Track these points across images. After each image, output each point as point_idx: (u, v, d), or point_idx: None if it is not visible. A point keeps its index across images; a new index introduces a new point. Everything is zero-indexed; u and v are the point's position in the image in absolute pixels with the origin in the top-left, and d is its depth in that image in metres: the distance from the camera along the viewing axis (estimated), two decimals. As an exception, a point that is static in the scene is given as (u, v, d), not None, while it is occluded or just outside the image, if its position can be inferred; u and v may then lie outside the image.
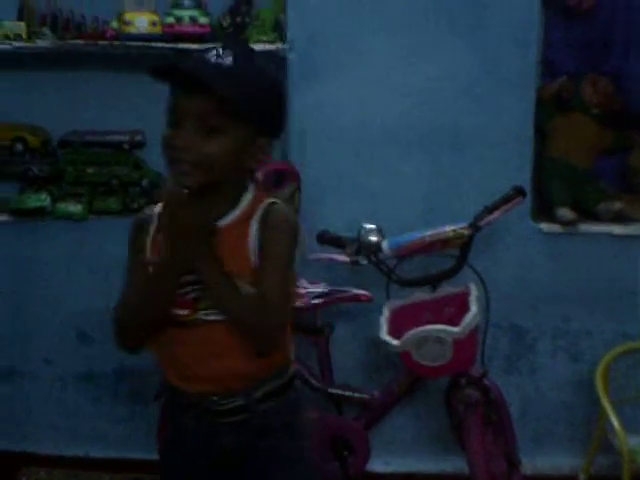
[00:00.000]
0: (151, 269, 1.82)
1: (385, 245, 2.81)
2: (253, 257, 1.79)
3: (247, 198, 1.82)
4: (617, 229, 3.21)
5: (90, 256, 3.29)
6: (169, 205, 1.74)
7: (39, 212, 3.22)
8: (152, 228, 1.86)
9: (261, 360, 1.85)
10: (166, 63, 1.72)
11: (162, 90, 3.30)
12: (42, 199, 3.23)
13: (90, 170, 3.29)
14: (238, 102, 1.69)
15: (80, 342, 3.37)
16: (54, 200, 3.25)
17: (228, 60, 1.71)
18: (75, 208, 3.22)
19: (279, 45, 3.09)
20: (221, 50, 1.73)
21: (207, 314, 1.81)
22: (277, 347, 1.85)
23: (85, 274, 3.31)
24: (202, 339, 1.83)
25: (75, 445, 3.43)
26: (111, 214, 3.26)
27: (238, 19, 3.11)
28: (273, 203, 1.83)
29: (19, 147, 3.24)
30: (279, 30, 3.14)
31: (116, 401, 3.41)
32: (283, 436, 1.93)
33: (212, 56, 1.72)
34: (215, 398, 1.86)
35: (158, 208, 1.85)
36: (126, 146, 3.29)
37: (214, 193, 1.78)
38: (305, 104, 3.12)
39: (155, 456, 3.14)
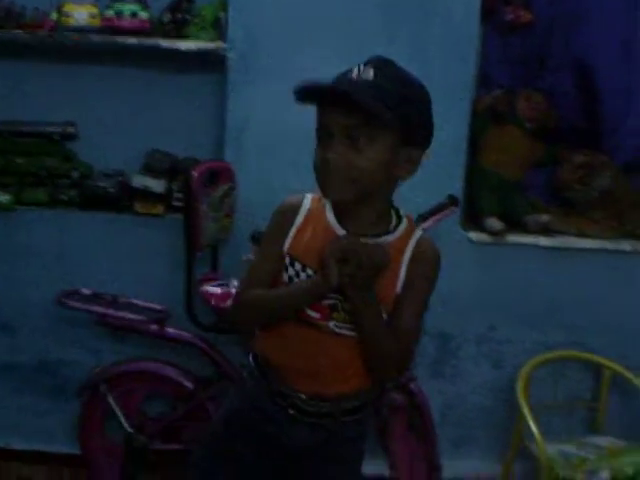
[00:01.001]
0: (295, 287, 1.86)
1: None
2: (397, 288, 1.86)
3: (403, 224, 1.89)
4: (544, 241, 3.28)
5: (16, 246, 3.24)
6: (357, 254, 1.74)
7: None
8: (299, 219, 1.90)
9: (364, 380, 1.94)
10: (309, 83, 1.76)
11: (95, 84, 3.32)
12: (-29, 187, 3.17)
13: (19, 160, 3.23)
14: (381, 113, 1.71)
15: (2, 333, 3.31)
16: (-20, 189, 3.20)
17: (369, 74, 1.76)
18: (3, 198, 3.16)
19: (219, 44, 3.08)
20: (362, 66, 1.78)
21: (339, 326, 1.87)
22: (402, 374, 1.98)
23: (10, 264, 3.26)
24: (324, 346, 1.89)
25: (-5, 436, 3.41)
26: (39, 205, 3.22)
27: (178, 15, 3.08)
28: (422, 236, 1.92)
29: (-53, 135, 3.18)
30: (219, 28, 3.12)
31: (38, 393, 3.36)
32: (351, 448, 2.04)
33: (353, 73, 1.77)
34: (304, 397, 1.93)
35: (309, 200, 1.91)
36: (57, 137, 3.25)
37: (365, 206, 1.83)
38: (243, 104, 3.12)
39: (76, 450, 3.21)
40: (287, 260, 1.88)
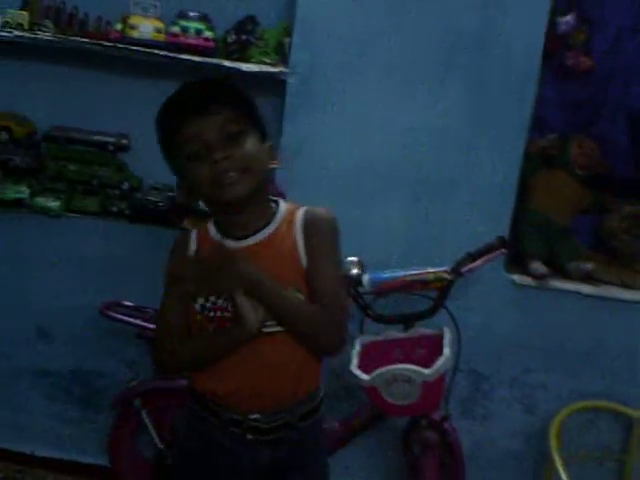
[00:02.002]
0: (221, 338, 1.89)
1: (366, 279, 2.81)
2: (302, 267, 1.88)
3: (282, 208, 1.94)
4: (586, 289, 3.26)
5: (61, 254, 3.27)
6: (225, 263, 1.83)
7: (16, 204, 3.18)
8: (192, 247, 1.99)
9: (311, 379, 1.96)
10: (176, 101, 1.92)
11: (153, 99, 3.32)
12: (21, 191, 3.18)
13: (72, 167, 3.26)
14: (246, 107, 1.88)
15: (39, 338, 3.33)
16: (32, 193, 3.21)
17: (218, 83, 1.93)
18: (53, 204, 3.19)
19: (280, 68, 3.10)
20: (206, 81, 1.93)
21: (265, 326, 1.86)
22: (344, 343, 1.93)
23: (54, 271, 3.28)
24: (260, 352, 1.88)
25: (21, 441, 3.40)
26: (88, 214, 3.23)
27: (243, 37, 3.10)
28: (310, 208, 1.94)
29: (4, 136, 3.18)
30: (282, 53, 3.14)
31: (69, 401, 3.38)
32: (313, 453, 2.03)
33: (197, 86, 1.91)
34: (258, 416, 1.92)
35: (194, 232, 2.01)
36: (111, 148, 3.27)
37: (246, 209, 1.88)
38: (299, 129, 3.13)
39: (103, 461, 3.20)
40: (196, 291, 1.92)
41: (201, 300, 1.91)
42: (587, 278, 3.29)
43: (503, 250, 2.91)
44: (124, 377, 3.20)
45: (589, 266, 3.28)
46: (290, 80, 3.10)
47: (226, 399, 1.92)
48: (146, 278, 3.21)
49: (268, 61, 3.08)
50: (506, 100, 3.11)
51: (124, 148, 3.27)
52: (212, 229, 1.97)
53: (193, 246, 1.98)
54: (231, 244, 1.90)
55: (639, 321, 3.26)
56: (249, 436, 1.93)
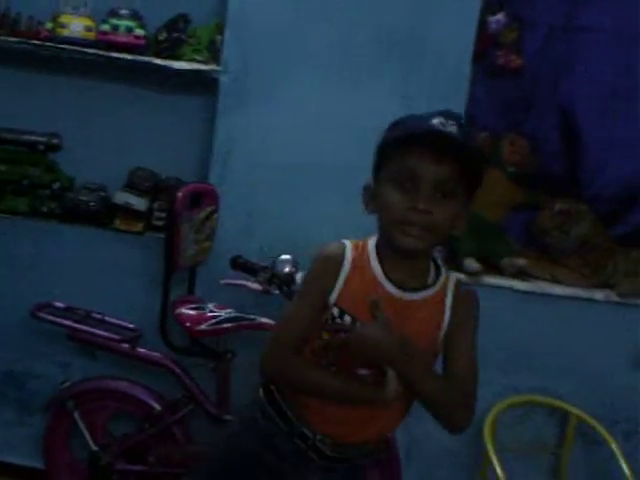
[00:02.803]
0: (352, 388, 1.84)
1: (299, 277, 2.82)
2: (440, 334, 1.88)
3: (443, 276, 1.89)
4: (518, 284, 3.30)
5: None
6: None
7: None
8: (345, 270, 1.85)
9: (394, 424, 1.97)
10: (422, 129, 1.72)
11: (84, 96, 3.31)
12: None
13: (1, 167, 3.21)
14: (478, 172, 1.76)
15: (-30, 342, 3.28)
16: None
17: (454, 129, 1.72)
18: (-19, 206, 3.14)
19: (212, 66, 3.09)
20: (442, 118, 1.73)
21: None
22: (470, 423, 1.94)
23: (-15, 273, 3.23)
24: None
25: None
26: (18, 214, 3.19)
27: (174, 35, 3.09)
28: (460, 281, 1.93)
29: None
30: (214, 51, 3.13)
31: (2, 404, 3.33)
32: None
33: (436, 124, 1.72)
34: (329, 441, 1.89)
35: (349, 249, 1.88)
36: (41, 147, 3.21)
37: (414, 261, 1.83)
38: (232, 127, 3.12)
39: (38, 464, 3.16)
40: (335, 312, 1.83)
41: (337, 319, 1.85)
42: (520, 274, 3.33)
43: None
44: (57, 379, 3.15)
45: (522, 262, 3.32)
46: (222, 78, 3.09)
47: (302, 410, 1.90)
48: (77, 279, 3.21)
49: (200, 59, 3.07)
50: (437, 100, 3.11)
51: (55, 148, 3.22)
52: (375, 263, 1.86)
53: (347, 267, 1.86)
54: (390, 289, 1.83)
55: (570, 316, 3.31)
56: (311, 454, 1.91)
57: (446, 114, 1.75)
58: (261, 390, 2.00)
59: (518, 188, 3.42)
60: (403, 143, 1.74)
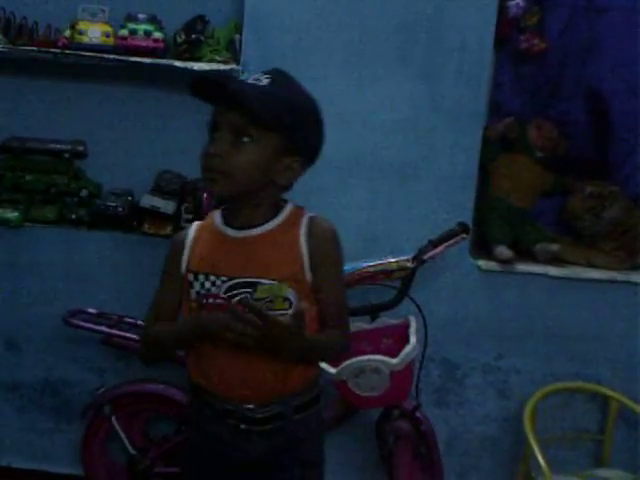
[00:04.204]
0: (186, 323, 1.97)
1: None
2: (303, 266, 1.90)
3: (287, 210, 1.96)
4: (552, 270, 3.25)
5: (23, 264, 3.23)
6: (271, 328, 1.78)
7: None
8: (188, 240, 2.01)
9: (299, 368, 1.96)
10: (201, 77, 1.91)
11: (107, 102, 3.32)
12: (-22, 202, 3.16)
13: (29, 177, 3.23)
14: (266, 115, 1.81)
15: (7, 350, 3.30)
16: (-13, 205, 3.19)
17: (263, 81, 1.87)
18: (11, 215, 3.16)
19: (232, 66, 3.07)
20: (261, 73, 1.90)
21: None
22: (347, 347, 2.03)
23: (17, 282, 3.25)
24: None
25: (-2, 454, 3.39)
26: (47, 223, 3.20)
27: (193, 36, 3.08)
28: (314, 216, 1.98)
29: (-42, 149, 3.17)
30: (233, 50, 3.12)
31: (41, 412, 3.35)
32: (309, 447, 2.04)
33: (251, 78, 1.90)
34: (252, 406, 1.94)
35: (195, 225, 2.04)
36: (67, 155, 3.23)
37: (250, 205, 1.91)
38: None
39: (77, 471, 3.18)
40: (191, 277, 1.94)
41: (197, 286, 1.93)
42: (553, 260, 3.30)
43: (464, 236, 2.90)
44: (93, 385, 3.17)
45: (555, 247, 3.28)
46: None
47: (217, 388, 1.95)
48: (108, 284, 3.22)
49: (220, 59, 3.06)
50: (461, 87, 3.10)
51: (80, 155, 3.24)
52: (218, 217, 1.99)
53: (192, 234, 2.01)
54: (230, 231, 1.94)
55: (607, 300, 3.26)
56: (243, 426, 1.95)
57: (267, 70, 1.93)
58: (189, 392, 2.09)
59: (547, 173, 3.40)
60: (201, 96, 1.94)
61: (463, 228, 2.91)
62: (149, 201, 3.17)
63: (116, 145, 3.32)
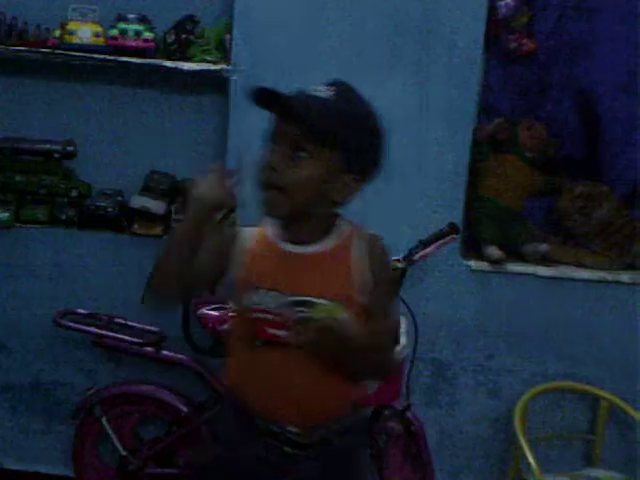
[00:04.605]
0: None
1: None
2: (359, 288, 1.85)
3: (342, 227, 1.90)
4: (542, 270, 3.26)
5: (13, 265, 3.22)
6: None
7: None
8: (241, 247, 1.90)
9: (349, 396, 1.92)
10: (263, 88, 1.78)
11: (96, 104, 3.31)
12: (-31, 203, 3.15)
13: (19, 178, 3.22)
14: (324, 131, 1.74)
15: (-3, 352, 3.31)
16: (-21, 206, 3.18)
17: (328, 94, 1.79)
18: (2, 215, 3.15)
19: (222, 65, 3.08)
20: (324, 85, 1.82)
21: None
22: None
23: (6, 283, 3.24)
24: (299, 362, 1.84)
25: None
26: (38, 223, 3.20)
27: (183, 36, 3.08)
28: (371, 236, 1.92)
29: (-54, 150, 3.15)
30: (223, 50, 3.13)
31: (32, 414, 3.34)
32: (352, 473, 1.98)
33: (312, 89, 1.80)
34: (296, 429, 1.87)
35: (254, 230, 1.93)
36: (57, 155, 3.22)
37: (303, 222, 1.84)
38: (246, 126, 3.09)
39: (70, 472, 3.17)
40: (244, 288, 1.86)
41: (249, 297, 1.85)
42: (543, 260, 3.30)
43: (454, 236, 2.91)
44: (83, 386, 3.16)
45: (545, 247, 3.29)
46: (233, 77, 3.08)
47: (261, 409, 1.88)
48: (99, 285, 3.22)
49: (210, 59, 3.06)
50: (451, 87, 3.11)
51: (70, 155, 3.23)
52: (271, 230, 1.91)
53: (246, 243, 1.91)
54: (286, 247, 1.87)
55: (597, 300, 3.27)
56: (287, 449, 1.88)
57: (331, 81, 1.85)
58: (227, 408, 2.01)
59: (537, 173, 3.39)
60: (263, 106, 1.83)
61: (453, 228, 2.91)
62: (139, 201, 3.17)
63: (106, 145, 3.32)
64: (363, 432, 2.04)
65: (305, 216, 1.83)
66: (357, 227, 1.93)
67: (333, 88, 1.81)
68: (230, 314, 1.95)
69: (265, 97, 1.79)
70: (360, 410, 2.00)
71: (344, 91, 1.83)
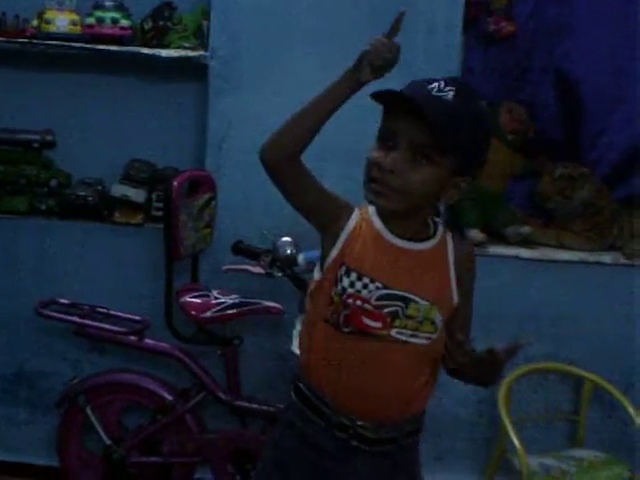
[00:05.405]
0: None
1: (301, 259, 2.80)
2: (453, 291, 1.85)
3: (440, 227, 1.88)
4: (524, 252, 3.28)
5: (-6, 255, 3.23)
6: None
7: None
8: (350, 224, 1.83)
9: (427, 397, 1.92)
10: (389, 90, 1.72)
11: (75, 91, 3.30)
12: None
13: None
14: (450, 140, 1.70)
15: (-20, 343, 3.29)
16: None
17: (449, 95, 1.72)
18: (-21, 205, 3.15)
19: (200, 52, 3.07)
20: (443, 84, 1.73)
21: (400, 333, 1.80)
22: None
23: (-12, 274, 3.24)
24: (388, 358, 1.82)
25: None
26: (18, 214, 3.19)
27: (160, 23, 3.07)
28: (470, 244, 1.99)
29: None
30: (201, 36, 3.12)
31: (16, 404, 3.33)
32: (411, 473, 1.97)
33: (434, 88, 1.73)
34: (367, 425, 1.84)
35: (357, 212, 1.85)
36: (36, 145, 3.21)
37: (410, 219, 1.81)
38: (225, 112, 3.11)
39: (55, 462, 3.17)
40: (342, 271, 1.80)
41: (346, 283, 1.80)
42: (525, 242, 3.32)
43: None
44: (67, 375, 3.14)
45: (526, 229, 3.30)
46: (212, 63, 3.08)
47: (334, 399, 1.85)
48: (80, 274, 3.21)
49: (188, 45, 3.06)
50: (431, 70, 3.06)
51: (50, 144, 3.21)
52: (377, 220, 1.84)
53: (352, 223, 1.84)
54: (392, 239, 1.82)
55: (579, 281, 3.29)
56: (354, 442, 1.85)
57: (449, 80, 1.75)
58: (292, 392, 1.95)
59: (518, 156, 3.40)
60: (384, 104, 1.76)
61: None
62: (120, 190, 3.16)
63: (85, 134, 3.30)
64: (418, 441, 2.00)
65: (413, 214, 1.81)
66: (448, 232, 1.91)
67: (453, 88, 1.73)
68: (313, 291, 1.88)
69: (389, 98, 1.74)
70: (424, 416, 1.97)
71: (465, 91, 1.76)
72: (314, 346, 1.88)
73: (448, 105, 1.71)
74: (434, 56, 3.09)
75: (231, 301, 2.93)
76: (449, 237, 1.88)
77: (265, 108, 3.09)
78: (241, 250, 2.96)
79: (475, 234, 3.23)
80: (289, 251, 2.82)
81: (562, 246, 3.35)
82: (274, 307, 2.95)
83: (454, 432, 3.38)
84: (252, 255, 2.93)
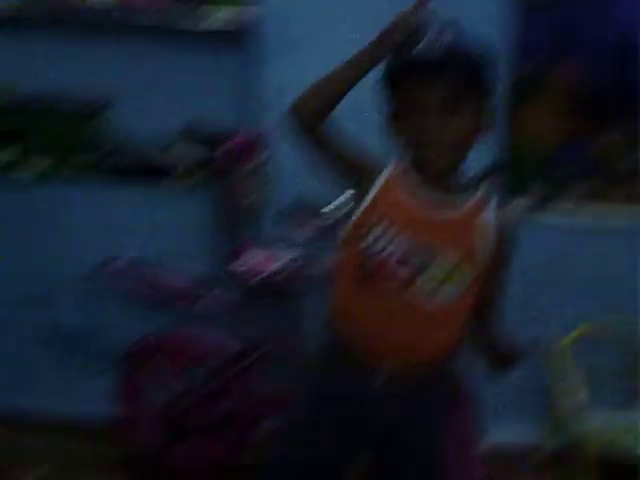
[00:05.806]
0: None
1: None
2: (485, 254, 1.86)
3: (482, 189, 1.90)
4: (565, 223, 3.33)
5: (53, 217, 3.31)
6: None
7: (8, 167, 3.22)
8: (385, 174, 1.88)
9: (452, 339, 1.93)
10: (403, 61, 1.81)
11: (134, 54, 3.33)
12: (12, 153, 3.21)
13: (57, 130, 3.26)
14: (476, 78, 1.79)
15: (40, 303, 3.35)
16: (20, 156, 3.24)
17: (451, 37, 1.79)
18: (43, 165, 3.21)
19: (255, 12, 3.11)
20: (436, 31, 1.79)
21: (427, 283, 1.84)
22: None
23: (47, 235, 3.32)
24: (411, 307, 1.85)
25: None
26: (77, 175, 3.25)
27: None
28: (509, 210, 1.95)
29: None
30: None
31: (81, 360, 3.36)
32: (438, 414, 2.02)
33: (433, 40, 1.78)
34: (394, 368, 1.89)
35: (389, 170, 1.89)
36: (95, 107, 3.26)
37: (447, 175, 1.85)
38: (280, 72, 3.16)
39: (115, 414, 3.22)
40: (372, 220, 1.84)
41: (378, 230, 1.84)
42: (591, 197, 3.34)
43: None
44: (131, 333, 3.12)
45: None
46: (266, 24, 3.11)
47: (363, 345, 1.89)
48: (139, 235, 3.28)
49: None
50: (489, 29, 3.05)
51: (109, 106, 3.27)
52: (412, 172, 1.86)
53: (384, 177, 1.88)
54: (428, 195, 1.84)
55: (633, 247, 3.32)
56: (384, 387, 1.90)
57: (442, 23, 1.81)
58: (321, 339, 2.00)
59: (575, 115, 3.37)
60: (399, 73, 1.83)
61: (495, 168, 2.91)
62: (179, 150, 3.20)
63: (144, 96, 3.34)
64: (450, 382, 2.04)
65: (451, 169, 1.85)
66: (493, 196, 1.92)
67: (449, 31, 1.81)
68: (342, 241, 1.91)
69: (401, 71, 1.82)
70: (454, 360, 2.00)
71: (457, 31, 1.83)
72: (341, 294, 1.92)
73: (457, 52, 1.78)
74: (490, 14, 3.10)
75: (293, 256, 2.96)
76: (492, 200, 1.89)
77: (319, 67, 3.09)
78: (300, 207, 2.98)
79: (519, 202, 3.25)
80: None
81: (629, 200, 3.37)
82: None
83: (505, 397, 3.35)
84: (312, 212, 2.95)
